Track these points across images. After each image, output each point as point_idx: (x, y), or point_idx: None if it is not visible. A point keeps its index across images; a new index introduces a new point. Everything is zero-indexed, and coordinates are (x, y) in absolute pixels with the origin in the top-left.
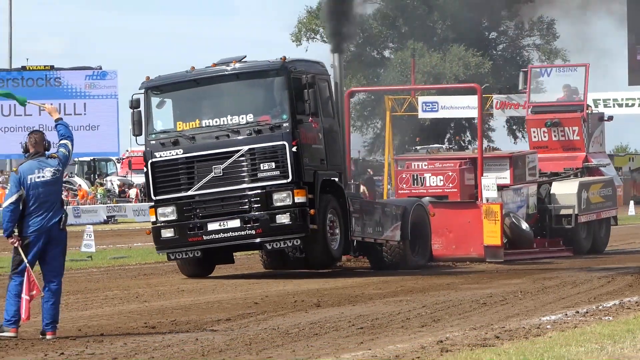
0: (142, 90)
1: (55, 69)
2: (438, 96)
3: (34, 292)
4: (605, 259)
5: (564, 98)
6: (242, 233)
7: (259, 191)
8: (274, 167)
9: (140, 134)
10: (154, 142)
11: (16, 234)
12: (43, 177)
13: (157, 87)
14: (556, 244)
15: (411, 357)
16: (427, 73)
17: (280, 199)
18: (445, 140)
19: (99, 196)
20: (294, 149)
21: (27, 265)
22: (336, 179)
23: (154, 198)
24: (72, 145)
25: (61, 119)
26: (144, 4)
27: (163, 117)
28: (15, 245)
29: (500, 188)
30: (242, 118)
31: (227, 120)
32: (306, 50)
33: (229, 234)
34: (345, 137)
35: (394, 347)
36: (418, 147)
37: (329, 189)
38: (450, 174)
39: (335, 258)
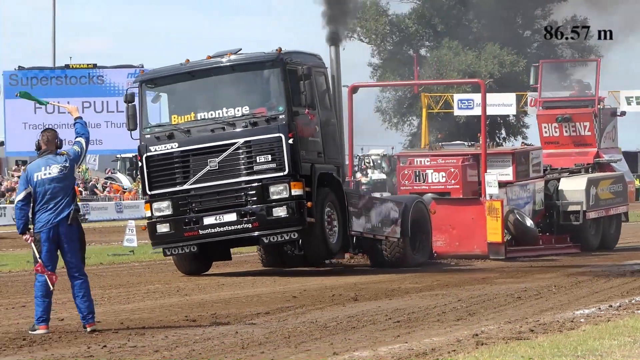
0: (137, 84)
1: (98, 68)
2: (474, 94)
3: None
4: (612, 255)
5: (576, 93)
6: (239, 227)
7: (255, 184)
8: (270, 159)
9: (135, 129)
10: (148, 136)
11: (31, 231)
12: (50, 173)
13: (152, 81)
14: (563, 241)
15: (447, 350)
16: (462, 71)
17: (277, 191)
18: (479, 136)
19: (140, 191)
20: (290, 141)
21: (40, 261)
22: (333, 173)
23: (148, 193)
24: (87, 143)
25: (80, 117)
26: (187, 3)
27: (158, 111)
28: (29, 242)
29: (504, 185)
30: (238, 110)
31: (222, 112)
32: (343, 48)
33: (225, 228)
34: (348, 131)
35: (430, 340)
36: (441, 144)
37: (326, 183)
38: (452, 170)
39: (334, 252)
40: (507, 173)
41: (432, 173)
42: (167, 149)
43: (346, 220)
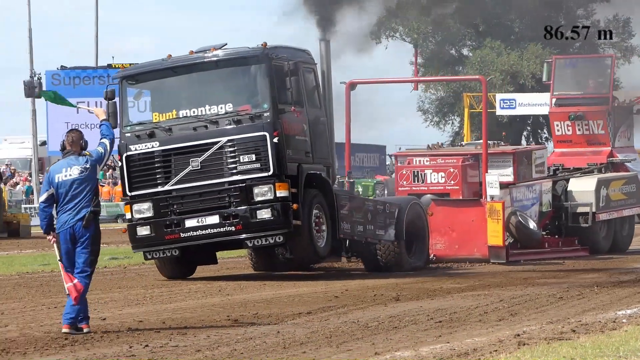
0: (117, 81)
1: None
2: (516, 93)
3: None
4: (622, 258)
5: (590, 90)
6: (222, 230)
7: (239, 185)
8: (254, 159)
9: (116, 127)
10: (129, 134)
11: (55, 232)
12: (70, 175)
13: (132, 77)
14: (571, 243)
15: (489, 351)
16: (505, 71)
17: (261, 193)
18: (523, 137)
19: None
20: (275, 140)
21: (60, 262)
22: (322, 173)
23: (128, 194)
24: (112, 144)
25: (107, 120)
26: (228, 4)
27: (138, 109)
28: (52, 242)
29: (506, 185)
30: (221, 108)
31: (205, 110)
32: (386, 47)
33: (207, 231)
34: (345, 129)
35: (471, 340)
36: (463, 143)
37: (315, 184)
38: (452, 170)
39: (322, 256)
40: (507, 174)
41: (431, 173)
42: (148, 148)
43: (336, 223)
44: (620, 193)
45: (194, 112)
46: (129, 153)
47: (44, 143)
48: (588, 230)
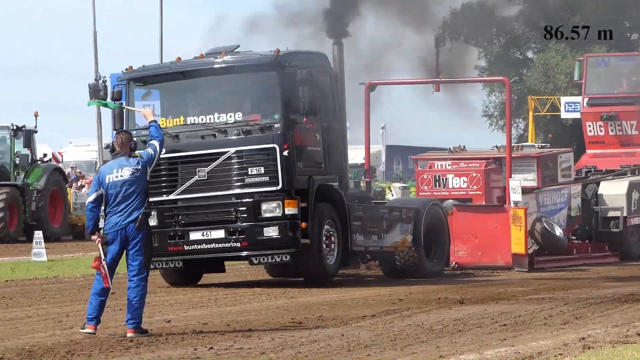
0: (124, 82)
1: None
2: (580, 96)
3: (106, 284)
4: None
5: (624, 90)
6: (227, 245)
7: (247, 199)
8: (263, 172)
9: (121, 129)
10: (135, 138)
11: (100, 232)
12: (121, 176)
13: (140, 79)
14: (600, 249)
15: (554, 354)
16: (570, 74)
17: (270, 209)
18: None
19: None
20: (285, 153)
21: (103, 262)
22: (334, 184)
23: None
24: (161, 146)
25: (155, 121)
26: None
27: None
28: (97, 242)
29: (531, 190)
30: (230, 117)
31: (214, 118)
32: (450, 51)
33: (212, 245)
34: (365, 131)
35: (536, 344)
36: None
37: (326, 196)
38: (474, 175)
39: (331, 274)
40: (531, 178)
41: (452, 178)
42: None
43: (347, 237)
44: None
45: (202, 119)
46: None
47: (108, 146)
48: (619, 235)
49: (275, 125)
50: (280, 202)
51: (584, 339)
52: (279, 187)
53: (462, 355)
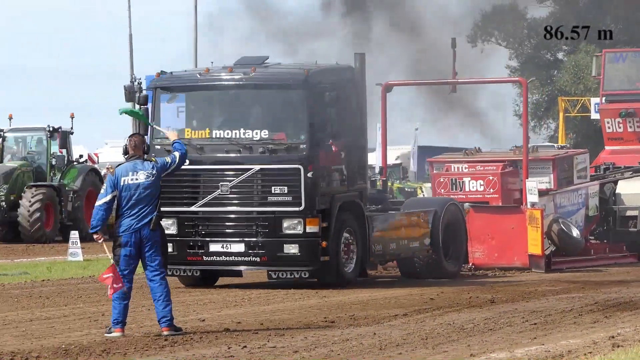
0: (151, 89)
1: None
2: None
3: (119, 284)
4: None
5: None
6: (246, 259)
7: (268, 216)
8: (286, 191)
9: (146, 134)
10: (158, 147)
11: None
12: (136, 179)
13: (167, 88)
14: (618, 250)
15: (583, 352)
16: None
17: (291, 226)
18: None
19: None
20: (309, 174)
21: (112, 260)
22: (356, 199)
23: None
24: (182, 159)
25: (178, 141)
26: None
27: (171, 120)
28: (100, 241)
29: (546, 192)
30: (256, 134)
31: (239, 133)
32: (482, 51)
33: (231, 258)
34: (381, 132)
35: (566, 342)
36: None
37: (346, 208)
38: (491, 178)
39: (350, 281)
40: (546, 180)
41: (469, 181)
42: None
43: (366, 246)
44: None
45: (227, 134)
46: None
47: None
48: (637, 234)
49: (301, 146)
50: (302, 220)
51: (613, 337)
52: (301, 207)
53: (492, 354)
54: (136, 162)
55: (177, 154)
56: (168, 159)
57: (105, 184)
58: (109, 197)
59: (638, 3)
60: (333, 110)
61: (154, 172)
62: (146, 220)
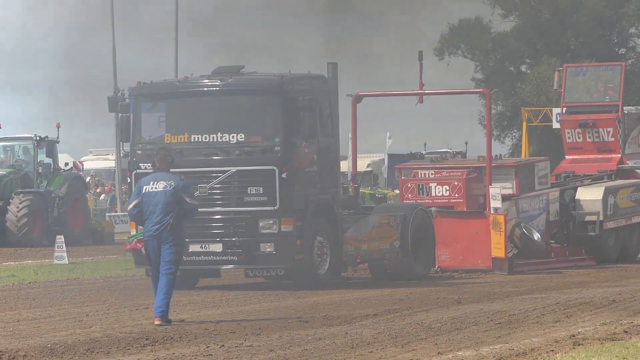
0: (132, 97)
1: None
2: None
3: (140, 244)
4: (629, 267)
5: (601, 98)
6: (224, 258)
7: (245, 216)
8: (261, 192)
9: (128, 141)
10: (139, 152)
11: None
12: (155, 188)
13: (148, 95)
14: (577, 253)
15: (545, 350)
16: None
17: (266, 226)
18: None
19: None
20: (283, 175)
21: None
22: (329, 202)
23: None
24: (193, 209)
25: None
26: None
27: (151, 127)
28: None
29: (509, 197)
30: (233, 137)
31: (217, 137)
32: (448, 64)
33: (209, 258)
34: (352, 141)
35: (529, 341)
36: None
37: (320, 210)
38: (456, 183)
39: (323, 282)
40: (509, 186)
41: (435, 186)
42: None
43: (339, 248)
44: (629, 200)
45: (205, 138)
46: (138, 171)
47: (127, 155)
48: (595, 239)
49: (276, 148)
50: (277, 220)
51: (574, 336)
52: (276, 207)
53: (459, 352)
54: (160, 174)
55: (194, 202)
56: (187, 197)
57: (133, 191)
58: (133, 204)
59: (598, 19)
60: (306, 115)
61: (173, 184)
62: (164, 225)
